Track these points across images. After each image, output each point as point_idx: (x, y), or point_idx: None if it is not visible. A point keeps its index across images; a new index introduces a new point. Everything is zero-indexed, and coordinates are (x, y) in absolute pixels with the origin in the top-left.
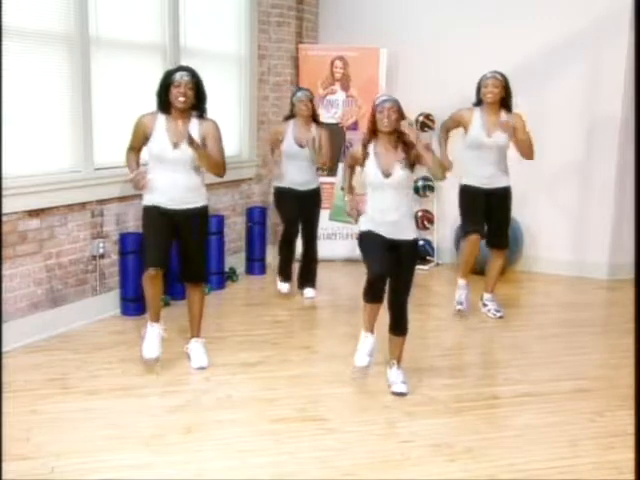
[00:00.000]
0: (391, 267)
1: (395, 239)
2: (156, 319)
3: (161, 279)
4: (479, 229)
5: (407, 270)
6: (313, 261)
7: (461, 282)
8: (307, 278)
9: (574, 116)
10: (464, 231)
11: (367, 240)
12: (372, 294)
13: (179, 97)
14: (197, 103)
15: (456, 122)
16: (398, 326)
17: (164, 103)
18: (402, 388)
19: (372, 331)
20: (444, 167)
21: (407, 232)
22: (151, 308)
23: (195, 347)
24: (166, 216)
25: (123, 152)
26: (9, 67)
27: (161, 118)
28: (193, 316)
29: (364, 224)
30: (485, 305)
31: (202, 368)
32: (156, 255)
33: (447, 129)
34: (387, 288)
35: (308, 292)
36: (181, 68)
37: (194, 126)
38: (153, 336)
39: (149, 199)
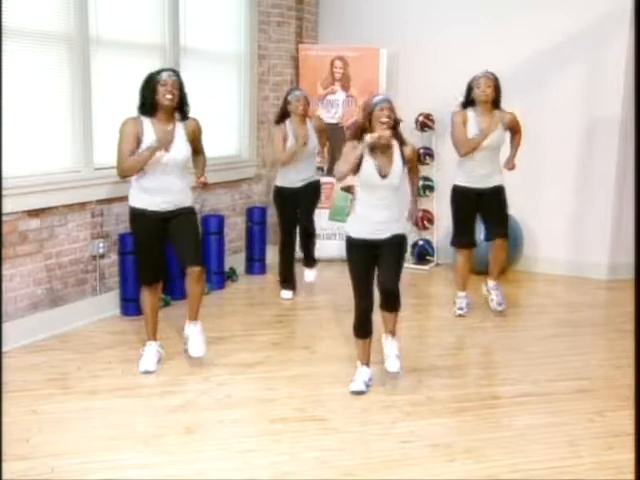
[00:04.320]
0: (377, 262)
1: (380, 238)
2: (154, 337)
3: (158, 293)
4: (470, 241)
5: (393, 260)
6: (311, 235)
7: (460, 294)
8: (306, 254)
9: (574, 116)
10: (455, 242)
11: (353, 256)
12: (362, 331)
13: (167, 95)
14: (179, 105)
15: (465, 123)
16: (390, 304)
17: (150, 104)
18: (395, 366)
19: (367, 364)
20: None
21: (395, 228)
22: (149, 325)
23: (193, 332)
24: (154, 219)
25: None
26: (9, 67)
27: (146, 122)
28: (192, 298)
29: (351, 226)
30: (489, 292)
31: (199, 357)
32: (151, 272)
33: (466, 136)
34: (376, 279)
35: (307, 275)
36: (166, 69)
37: (179, 128)
38: (151, 354)
39: (138, 201)
